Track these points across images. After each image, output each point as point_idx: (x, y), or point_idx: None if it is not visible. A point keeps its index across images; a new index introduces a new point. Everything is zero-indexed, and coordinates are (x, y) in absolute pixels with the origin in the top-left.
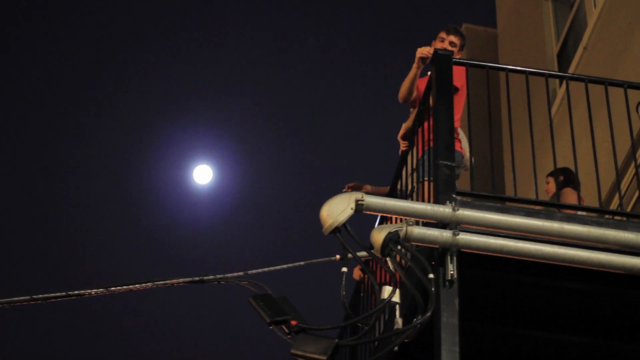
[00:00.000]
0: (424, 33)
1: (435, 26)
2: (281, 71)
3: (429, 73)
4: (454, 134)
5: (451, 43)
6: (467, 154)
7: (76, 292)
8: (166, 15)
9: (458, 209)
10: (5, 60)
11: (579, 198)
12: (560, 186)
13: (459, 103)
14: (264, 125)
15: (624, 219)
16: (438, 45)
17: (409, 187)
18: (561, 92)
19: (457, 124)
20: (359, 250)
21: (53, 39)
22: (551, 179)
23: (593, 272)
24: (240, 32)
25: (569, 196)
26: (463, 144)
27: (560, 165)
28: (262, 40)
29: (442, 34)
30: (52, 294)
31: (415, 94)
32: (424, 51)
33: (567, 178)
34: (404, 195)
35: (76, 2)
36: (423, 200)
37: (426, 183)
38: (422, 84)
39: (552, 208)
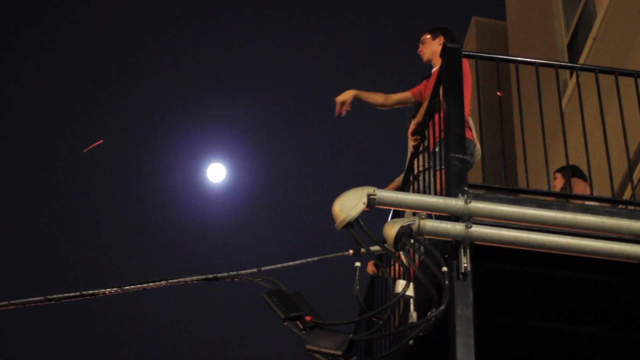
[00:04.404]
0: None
1: (445, 20)
2: (294, 69)
3: (433, 70)
4: (465, 124)
5: (419, 45)
6: (479, 144)
7: (90, 291)
8: (178, 13)
9: (470, 202)
10: (16, 59)
11: (591, 189)
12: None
13: (465, 91)
14: (277, 123)
15: (637, 208)
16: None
17: (422, 182)
18: (572, 83)
19: (465, 112)
20: (372, 245)
21: (64, 36)
22: (559, 175)
23: (607, 262)
24: (253, 30)
25: (578, 184)
26: (474, 133)
27: (572, 156)
28: (275, 38)
29: None
30: (66, 294)
31: (392, 102)
32: (340, 100)
33: (575, 175)
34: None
35: (89, 1)
36: (436, 191)
37: (438, 173)
38: (429, 83)
39: (565, 199)
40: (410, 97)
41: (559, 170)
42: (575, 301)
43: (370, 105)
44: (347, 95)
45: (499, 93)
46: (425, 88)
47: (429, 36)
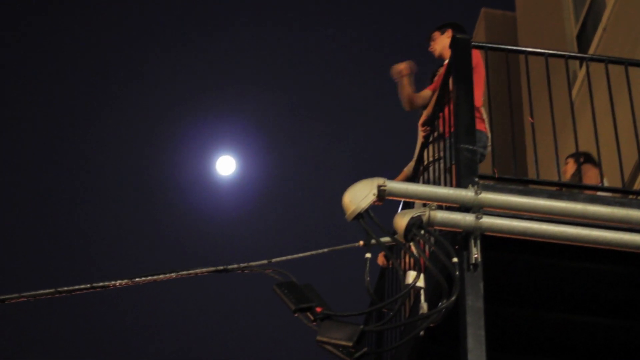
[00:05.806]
0: (444, 19)
1: (454, 11)
2: (304, 61)
3: (445, 63)
4: (478, 114)
5: (430, 43)
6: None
7: (100, 283)
8: (188, 4)
9: (480, 192)
10: (26, 51)
11: (601, 176)
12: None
13: (478, 82)
14: (286, 115)
15: None
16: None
17: (432, 173)
18: (581, 73)
19: (478, 103)
20: (383, 236)
21: (74, 29)
22: (571, 160)
23: (617, 252)
24: (263, 24)
25: (589, 171)
26: (487, 124)
27: (582, 146)
28: (284, 31)
29: None
30: (77, 286)
31: (419, 101)
32: (397, 69)
33: (587, 161)
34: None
35: None
36: (452, 185)
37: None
38: (440, 74)
39: (575, 189)
40: (430, 94)
41: (571, 156)
42: (586, 292)
43: (401, 92)
44: (405, 67)
45: (530, 119)
46: (438, 80)
47: (438, 32)
